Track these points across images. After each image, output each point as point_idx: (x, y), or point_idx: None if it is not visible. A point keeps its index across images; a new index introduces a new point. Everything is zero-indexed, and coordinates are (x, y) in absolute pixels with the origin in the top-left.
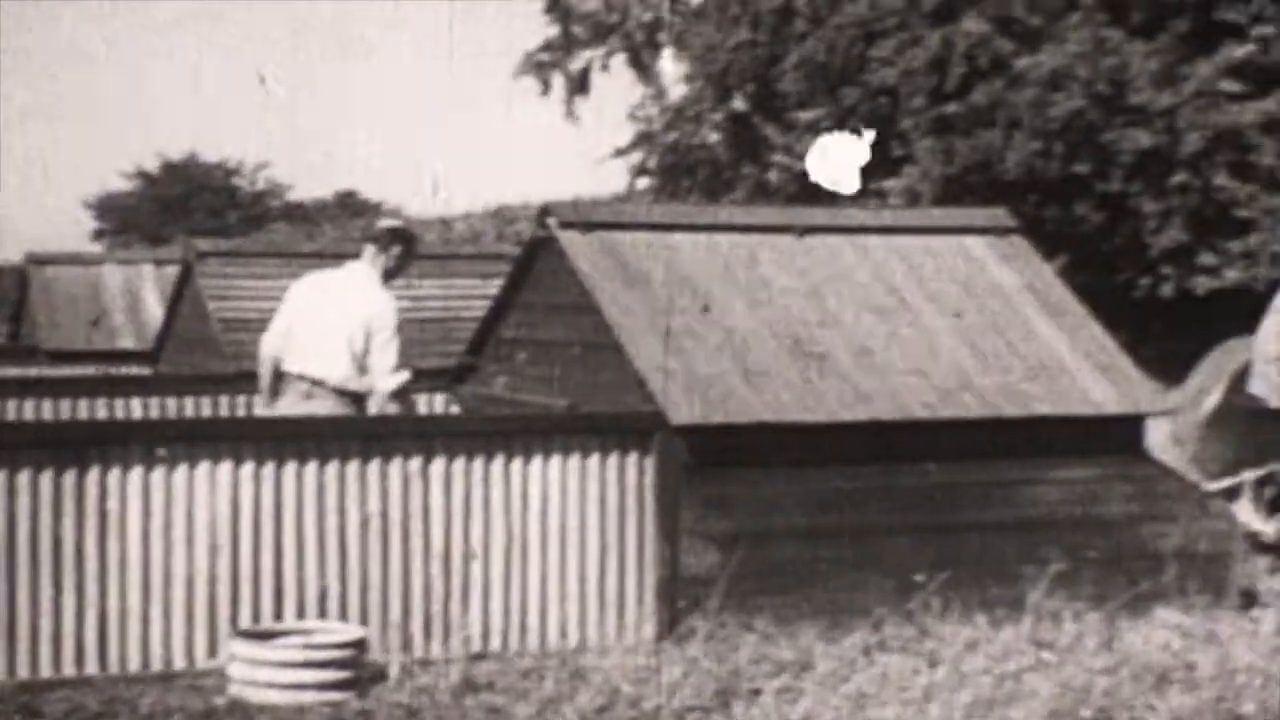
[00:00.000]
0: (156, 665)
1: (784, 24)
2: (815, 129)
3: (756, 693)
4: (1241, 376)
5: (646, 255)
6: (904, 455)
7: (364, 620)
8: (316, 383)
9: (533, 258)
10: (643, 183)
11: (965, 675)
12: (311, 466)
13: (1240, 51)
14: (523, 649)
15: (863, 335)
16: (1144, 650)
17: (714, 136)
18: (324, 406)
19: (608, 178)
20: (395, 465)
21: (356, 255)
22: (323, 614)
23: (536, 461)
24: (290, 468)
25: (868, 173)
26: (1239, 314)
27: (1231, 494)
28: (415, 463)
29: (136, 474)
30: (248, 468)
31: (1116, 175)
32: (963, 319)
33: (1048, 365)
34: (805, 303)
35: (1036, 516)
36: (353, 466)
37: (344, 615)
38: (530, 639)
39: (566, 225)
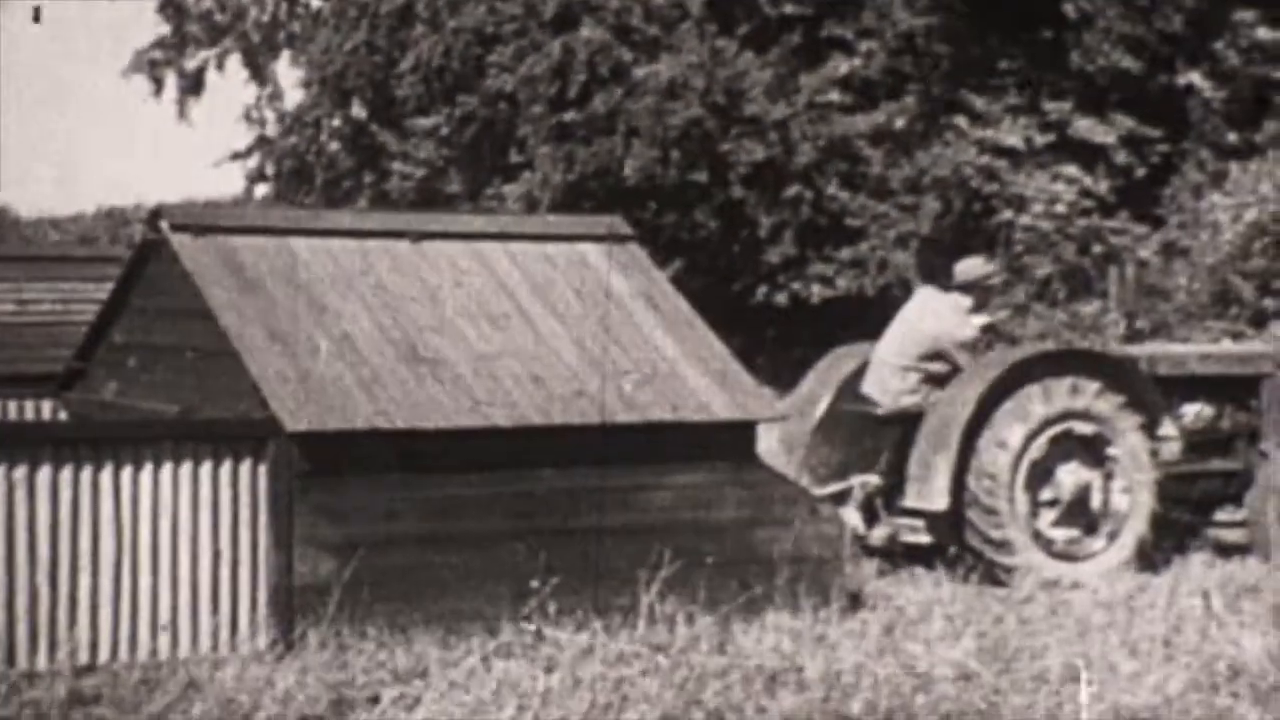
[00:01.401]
0: None
1: (402, 27)
2: (433, 135)
3: (374, 700)
4: (850, 383)
5: (262, 260)
6: (519, 462)
7: None
8: None
9: (144, 261)
10: (262, 188)
11: (581, 680)
12: None
13: (845, 66)
14: (133, 661)
15: (478, 341)
16: (756, 652)
17: (334, 144)
18: None
19: (231, 181)
20: None
21: None
22: None
23: (147, 469)
24: None
25: (487, 179)
26: (850, 321)
27: (840, 498)
28: (20, 471)
29: None
30: None
31: (734, 184)
32: (578, 326)
33: (661, 372)
34: (421, 309)
35: (650, 522)
36: None
37: None
38: (141, 650)
39: (179, 228)
